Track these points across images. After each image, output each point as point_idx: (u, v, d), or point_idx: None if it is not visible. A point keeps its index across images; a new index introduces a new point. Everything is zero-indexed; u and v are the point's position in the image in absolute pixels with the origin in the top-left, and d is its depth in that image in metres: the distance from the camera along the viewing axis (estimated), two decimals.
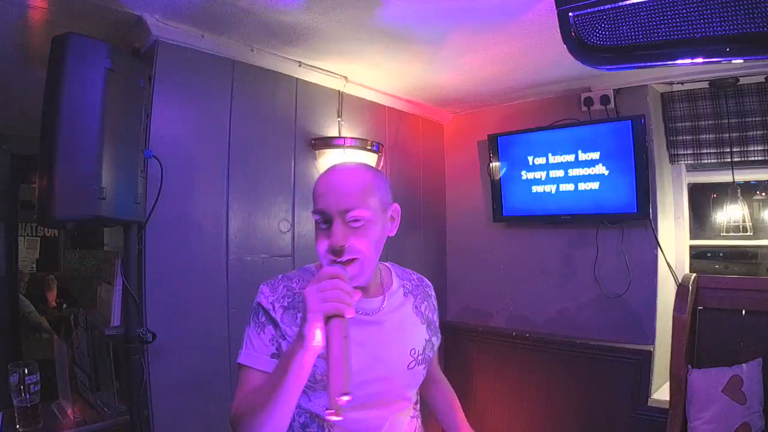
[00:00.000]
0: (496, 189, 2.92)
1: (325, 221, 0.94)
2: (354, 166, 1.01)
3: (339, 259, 0.91)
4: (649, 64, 1.03)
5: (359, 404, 0.96)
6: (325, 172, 1.00)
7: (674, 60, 0.98)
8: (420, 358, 1.07)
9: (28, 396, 1.66)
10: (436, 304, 1.21)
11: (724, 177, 2.54)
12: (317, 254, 0.96)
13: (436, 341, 1.17)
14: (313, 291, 0.81)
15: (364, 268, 0.94)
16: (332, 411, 0.72)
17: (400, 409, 1.05)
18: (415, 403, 1.12)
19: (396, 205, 1.04)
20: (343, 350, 0.76)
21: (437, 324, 1.19)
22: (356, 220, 0.92)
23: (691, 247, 2.69)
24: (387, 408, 1.02)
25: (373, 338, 1.01)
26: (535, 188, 2.77)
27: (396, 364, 1.03)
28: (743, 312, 2.21)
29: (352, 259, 0.92)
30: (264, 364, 0.93)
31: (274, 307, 0.97)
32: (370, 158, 2.51)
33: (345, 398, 0.72)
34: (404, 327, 1.07)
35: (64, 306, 4.59)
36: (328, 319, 0.79)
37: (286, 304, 0.98)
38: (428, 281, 1.25)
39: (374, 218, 0.95)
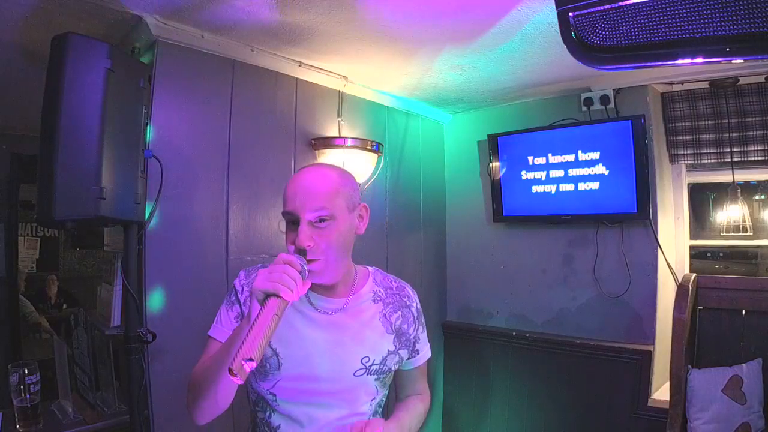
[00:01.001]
0: (496, 189, 2.92)
1: (292, 222, 0.98)
2: (320, 168, 1.05)
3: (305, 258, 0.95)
4: (649, 64, 1.03)
5: (301, 399, 1.01)
6: (294, 174, 1.03)
7: (674, 60, 0.98)
8: (374, 368, 1.05)
9: (28, 396, 1.66)
10: (417, 315, 1.17)
11: (724, 177, 2.54)
12: None
13: (410, 356, 1.14)
14: (263, 272, 0.87)
15: (328, 265, 0.98)
16: (234, 372, 0.74)
17: (346, 416, 1.03)
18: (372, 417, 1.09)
19: (364, 204, 1.07)
20: (269, 326, 0.80)
21: (415, 337, 1.15)
22: (322, 221, 0.96)
23: (691, 247, 2.69)
24: (330, 411, 1.02)
25: (325, 337, 1.03)
26: (535, 188, 2.77)
27: (342, 367, 1.02)
28: (743, 312, 2.21)
29: (317, 258, 0.96)
30: (226, 337, 0.99)
31: (242, 290, 1.05)
32: (370, 158, 2.51)
33: (250, 364, 0.75)
34: (362, 333, 1.05)
35: (64, 306, 4.59)
36: (267, 297, 0.83)
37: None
38: (411, 292, 1.20)
39: (340, 218, 0.98)
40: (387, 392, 1.14)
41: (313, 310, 1.04)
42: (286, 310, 0.95)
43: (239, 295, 1.05)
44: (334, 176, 1.01)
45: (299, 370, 1.00)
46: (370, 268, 1.18)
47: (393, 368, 1.10)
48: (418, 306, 1.19)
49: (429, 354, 1.21)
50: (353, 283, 1.10)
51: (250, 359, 0.75)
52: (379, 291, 1.13)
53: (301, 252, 0.94)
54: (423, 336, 1.19)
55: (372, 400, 1.08)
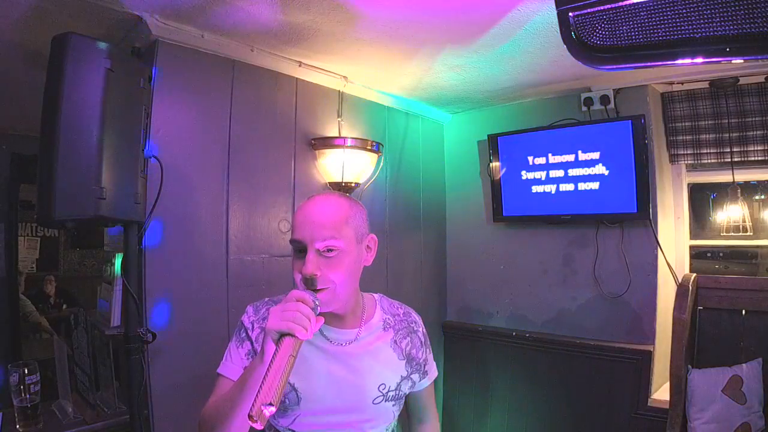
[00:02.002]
0: (495, 189, 2.92)
1: (300, 250, 0.98)
2: (331, 196, 1.04)
3: (312, 288, 0.95)
4: (649, 64, 1.03)
5: (321, 431, 1.01)
6: (304, 202, 1.03)
7: (674, 60, 0.98)
8: (391, 394, 1.07)
9: (28, 396, 1.66)
10: (423, 339, 1.19)
11: (724, 177, 2.54)
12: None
13: (421, 378, 1.17)
14: (276, 310, 0.86)
15: (336, 296, 0.98)
16: (254, 418, 0.74)
17: None
18: None
19: (372, 236, 1.08)
20: (285, 366, 0.80)
21: (424, 360, 1.18)
22: (329, 250, 0.96)
23: (691, 247, 2.69)
24: None
25: (342, 368, 1.03)
26: (535, 188, 2.77)
27: (361, 397, 1.04)
28: (743, 312, 2.21)
29: (324, 288, 0.95)
30: (237, 374, 0.98)
31: (252, 327, 1.05)
32: (370, 158, 2.51)
33: (269, 409, 0.74)
34: (377, 361, 1.07)
35: (64, 306, 4.60)
36: (281, 336, 0.83)
37: (264, 325, 0.99)
38: (416, 316, 1.22)
39: (348, 248, 0.98)
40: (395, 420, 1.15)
41: (326, 342, 1.05)
42: (304, 344, 0.97)
43: (249, 332, 1.05)
44: (345, 206, 1.02)
45: (319, 404, 1.01)
46: (375, 296, 1.19)
47: (406, 392, 1.13)
48: (424, 329, 1.21)
49: (436, 373, 1.24)
50: (363, 313, 1.11)
51: (270, 404, 0.74)
52: (389, 318, 1.15)
53: (309, 282, 0.94)
54: (430, 357, 1.21)
55: (387, 425, 1.09)
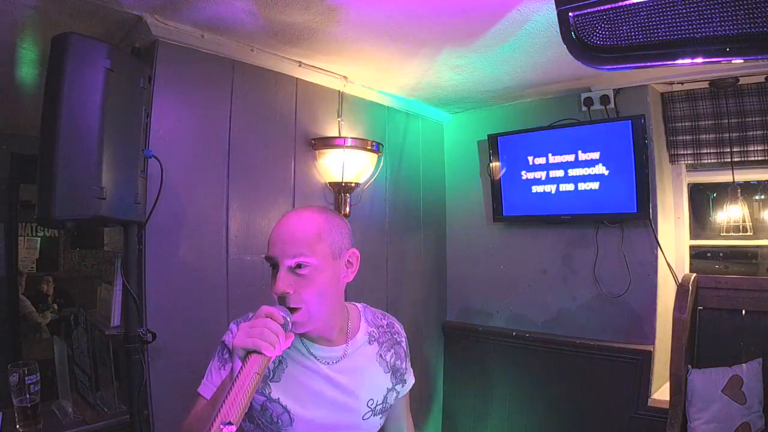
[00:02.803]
0: (496, 189, 2.92)
1: (273, 267, 0.96)
2: (304, 212, 1.01)
3: (286, 306, 0.93)
4: (649, 64, 1.03)
5: None
6: (279, 219, 1.01)
7: (674, 60, 0.98)
8: (378, 408, 1.08)
9: (28, 396, 1.65)
10: (406, 348, 1.19)
11: (724, 177, 2.54)
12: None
13: (403, 388, 1.17)
14: (244, 326, 0.85)
15: (311, 315, 0.95)
16: None
17: None
18: None
19: (353, 251, 1.04)
20: (249, 385, 0.78)
21: (406, 369, 1.18)
22: (300, 266, 0.94)
23: (691, 247, 2.69)
24: None
25: (332, 388, 1.02)
26: (535, 188, 2.77)
27: (352, 414, 1.03)
28: (743, 312, 2.21)
29: (298, 308, 0.94)
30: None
31: None
32: (370, 158, 2.51)
33: (229, 429, 0.73)
34: (365, 377, 1.07)
35: (61, 302, 4.60)
36: (248, 353, 0.82)
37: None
38: (399, 327, 1.21)
39: (321, 265, 0.95)
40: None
41: (315, 362, 1.03)
42: (292, 365, 0.99)
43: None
44: (319, 221, 0.98)
45: (311, 424, 1.00)
46: (359, 306, 1.17)
47: (392, 403, 1.13)
48: (406, 339, 1.21)
49: (413, 380, 1.22)
50: (348, 329, 1.09)
51: (230, 423, 0.73)
52: (373, 331, 1.13)
53: (281, 300, 0.93)
54: (409, 365, 1.20)
55: None
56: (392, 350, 1.14)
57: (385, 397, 1.09)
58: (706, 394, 2.10)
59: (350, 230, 1.06)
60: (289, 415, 0.99)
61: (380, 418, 1.10)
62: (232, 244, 2.05)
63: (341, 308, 1.07)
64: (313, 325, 0.97)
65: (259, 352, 0.81)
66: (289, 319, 0.89)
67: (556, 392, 2.72)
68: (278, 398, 1.00)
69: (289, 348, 1.01)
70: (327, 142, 2.40)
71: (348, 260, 1.03)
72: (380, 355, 1.11)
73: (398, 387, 1.14)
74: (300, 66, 2.28)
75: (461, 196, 3.24)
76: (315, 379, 1.02)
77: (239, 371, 0.80)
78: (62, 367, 1.84)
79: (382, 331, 1.15)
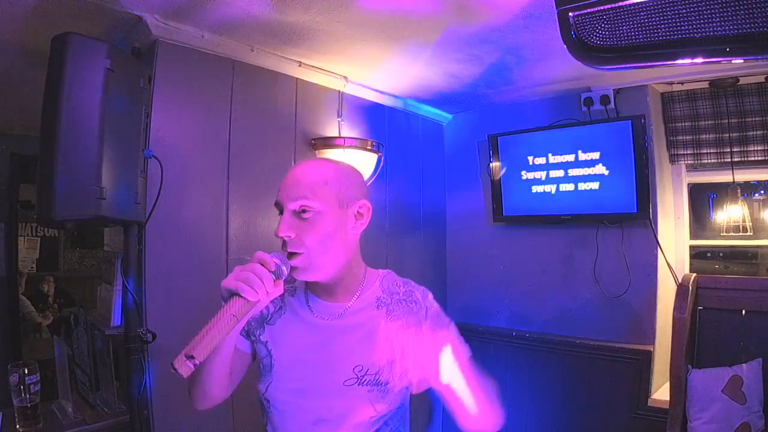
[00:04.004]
0: (496, 189, 2.92)
1: (280, 212, 0.96)
2: (314, 160, 1.02)
3: (286, 251, 0.92)
4: (649, 64, 1.03)
5: (295, 416, 0.97)
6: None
7: (674, 60, 0.98)
8: (366, 378, 0.93)
9: (28, 396, 1.65)
10: (425, 319, 1.00)
11: (724, 177, 2.54)
12: None
13: (415, 369, 0.98)
14: (236, 269, 0.85)
15: (312, 262, 0.92)
16: (175, 367, 0.75)
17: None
18: None
19: (364, 202, 0.99)
20: (223, 326, 0.79)
21: (425, 345, 0.97)
22: (303, 211, 0.92)
23: (691, 247, 2.69)
24: (332, 427, 0.94)
25: (318, 344, 0.97)
26: (535, 188, 2.76)
27: (330, 376, 0.94)
28: (743, 312, 2.21)
29: (298, 252, 0.92)
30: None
31: None
32: (370, 158, 2.51)
33: (192, 362, 0.74)
34: (358, 340, 0.96)
35: (61, 302, 4.60)
36: (231, 295, 0.82)
37: None
38: (420, 296, 1.03)
39: (326, 210, 0.93)
40: (395, 417, 1.00)
41: (310, 314, 1.00)
42: (290, 313, 0.97)
43: None
44: (328, 168, 0.97)
45: (289, 374, 0.97)
46: (382, 272, 1.07)
47: (392, 384, 0.96)
48: (430, 307, 1.03)
49: (460, 346, 1.01)
50: (357, 288, 1.01)
51: (191, 356, 0.74)
52: (384, 297, 1.01)
53: (284, 244, 0.92)
54: (445, 333, 1.01)
55: (372, 419, 0.95)
56: (402, 320, 0.98)
57: (380, 371, 0.94)
58: (706, 394, 2.10)
59: (363, 182, 1.03)
60: (271, 360, 0.98)
61: (369, 391, 0.94)
62: (232, 244, 2.05)
63: (348, 262, 0.98)
64: (313, 273, 0.94)
65: (240, 296, 0.81)
66: (283, 267, 0.88)
67: (556, 392, 2.72)
68: (266, 341, 1.00)
69: (292, 296, 1.02)
70: (327, 142, 2.40)
71: (358, 211, 0.98)
72: (386, 322, 0.98)
73: (403, 359, 0.97)
74: (300, 66, 2.28)
75: (461, 196, 3.24)
76: (304, 332, 0.98)
77: (219, 311, 0.81)
78: (62, 367, 1.84)
79: (397, 298, 1.02)
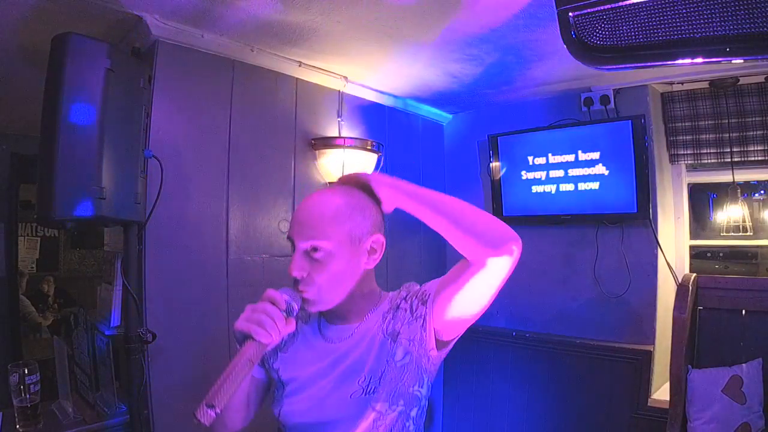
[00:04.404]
0: (496, 189, 2.92)
1: (292, 247, 0.94)
2: (327, 194, 0.97)
3: (297, 288, 0.92)
4: (649, 64, 1.03)
5: None
6: (304, 198, 0.99)
7: (674, 60, 0.98)
8: (372, 386, 0.92)
9: (28, 396, 1.65)
10: (410, 305, 0.98)
11: (724, 177, 2.54)
12: None
13: (413, 343, 0.95)
14: (248, 308, 0.85)
15: (321, 298, 0.93)
16: (197, 418, 0.76)
17: None
18: None
19: (378, 236, 0.98)
20: (240, 372, 0.80)
21: (415, 315, 0.95)
22: (315, 250, 0.91)
23: (691, 247, 2.69)
24: None
25: (329, 368, 0.96)
26: (535, 188, 2.76)
27: (339, 395, 0.93)
28: (743, 312, 2.21)
29: (312, 288, 0.92)
30: None
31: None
32: (370, 158, 2.51)
33: (210, 410, 0.75)
34: (363, 357, 0.95)
35: (61, 302, 4.60)
36: (245, 338, 0.83)
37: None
38: (405, 290, 1.02)
39: (337, 250, 0.91)
40: (405, 417, 0.96)
41: (322, 340, 1.00)
42: (302, 339, 0.97)
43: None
44: (339, 203, 0.94)
45: (298, 399, 0.97)
46: (392, 293, 1.05)
47: (397, 379, 0.94)
48: (411, 291, 1.01)
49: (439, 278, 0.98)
50: (370, 309, 1.00)
51: (212, 405, 0.75)
52: (387, 312, 1.00)
53: (294, 282, 0.92)
54: (425, 287, 0.99)
55: (376, 421, 0.93)
56: (390, 315, 0.98)
57: (384, 372, 0.92)
58: (706, 394, 2.10)
59: (377, 214, 0.98)
60: (283, 387, 0.99)
61: (375, 399, 0.91)
62: (232, 244, 2.05)
63: (363, 293, 0.98)
64: (324, 305, 0.95)
65: (254, 339, 0.82)
66: (294, 304, 0.88)
67: (556, 392, 2.71)
68: (278, 368, 1.00)
69: (305, 323, 1.01)
70: (327, 142, 2.40)
71: (371, 246, 0.96)
72: (384, 328, 0.97)
73: (398, 351, 0.94)
74: (300, 66, 2.28)
75: (461, 196, 3.17)
76: (315, 358, 0.98)
77: (235, 357, 0.81)
78: (62, 367, 1.84)
79: (393, 304, 1.01)
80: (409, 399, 0.95)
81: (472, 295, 0.93)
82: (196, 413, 0.75)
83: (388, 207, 0.99)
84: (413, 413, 0.96)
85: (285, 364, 1.00)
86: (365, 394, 0.92)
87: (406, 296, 1.00)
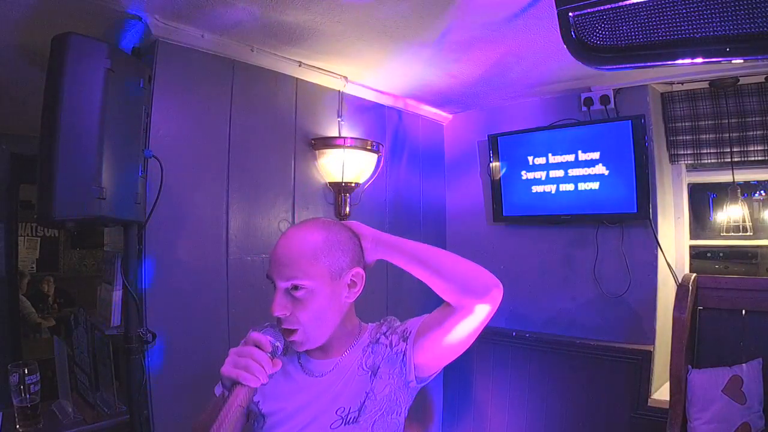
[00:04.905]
0: (496, 189, 2.92)
1: (274, 287, 0.95)
2: (302, 230, 0.96)
3: (282, 327, 0.93)
4: (649, 64, 1.03)
5: None
6: (281, 235, 0.98)
7: (674, 60, 0.98)
8: (351, 416, 0.94)
9: (28, 396, 1.65)
10: (389, 340, 1.00)
11: (724, 177, 2.54)
12: None
13: (392, 376, 0.97)
14: (232, 353, 0.86)
15: (308, 336, 0.94)
16: None
17: None
18: None
19: (357, 270, 0.98)
20: (232, 419, 0.81)
21: (395, 350, 0.98)
22: (295, 288, 0.91)
23: (691, 247, 2.69)
24: None
25: (310, 402, 0.97)
26: (535, 188, 2.77)
27: (318, 426, 0.95)
28: (743, 312, 2.21)
29: (294, 329, 0.93)
30: None
31: None
32: (370, 158, 2.51)
33: None
34: (342, 388, 0.97)
35: (61, 302, 4.60)
36: (232, 384, 0.84)
37: None
38: (386, 326, 1.04)
39: (318, 287, 0.92)
40: None
41: (302, 373, 1.01)
42: (281, 373, 0.97)
43: None
44: (317, 240, 0.94)
45: (282, 428, 0.98)
46: (371, 325, 1.07)
47: (377, 410, 0.96)
48: (392, 328, 1.03)
49: (419, 319, 1.01)
50: (350, 342, 1.02)
51: None
52: (367, 346, 1.02)
53: (278, 321, 0.93)
54: (406, 324, 1.02)
55: None
56: (369, 349, 1.00)
57: (363, 404, 0.95)
58: (706, 394, 2.10)
59: (355, 246, 0.99)
60: (263, 420, 1.00)
61: (355, 427, 0.94)
62: (232, 244, 2.05)
63: (345, 327, 1.00)
64: (311, 344, 0.96)
65: (242, 384, 0.83)
66: (278, 345, 0.89)
67: (556, 392, 2.72)
68: (258, 401, 1.01)
69: (284, 355, 0.99)
70: (327, 142, 2.40)
71: (351, 280, 0.97)
72: (363, 361, 0.99)
73: (388, 383, 0.97)
74: (300, 66, 2.28)
75: (461, 196, 3.24)
76: (295, 391, 0.99)
77: (224, 403, 0.82)
78: (62, 367, 1.84)
79: (372, 338, 1.03)
80: (389, 427, 0.97)
81: (457, 339, 0.96)
82: None
83: (369, 259, 1.02)
84: None
85: (265, 398, 1.01)
86: (345, 424, 0.94)
87: (386, 332, 1.03)
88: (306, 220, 1.01)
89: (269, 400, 1.00)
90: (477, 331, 0.96)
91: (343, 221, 1.05)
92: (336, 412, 0.95)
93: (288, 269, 0.92)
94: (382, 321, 1.08)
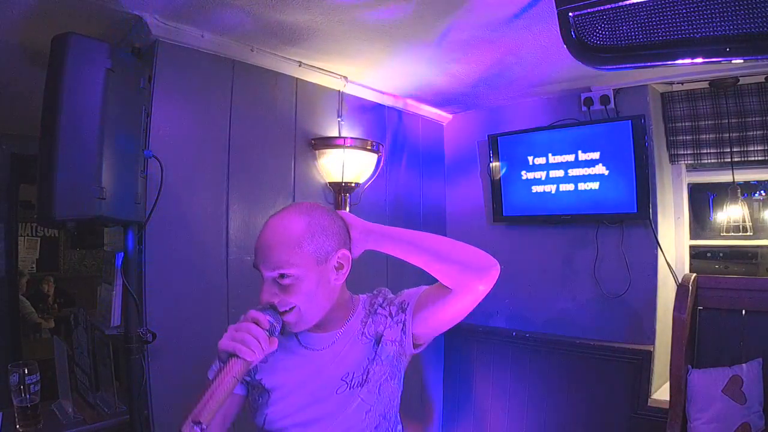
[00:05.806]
0: (496, 189, 2.92)
1: (262, 276, 0.96)
2: (287, 217, 0.96)
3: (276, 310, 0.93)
4: (649, 64, 1.03)
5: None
6: (264, 224, 0.98)
7: (674, 60, 0.98)
8: (356, 380, 0.97)
9: (28, 396, 1.65)
10: (387, 309, 1.05)
11: (724, 177, 2.54)
12: None
13: (395, 343, 1.01)
14: (230, 328, 0.87)
15: (303, 316, 0.95)
16: (182, 431, 0.77)
17: None
18: None
19: (343, 252, 0.98)
20: (225, 389, 0.81)
21: (395, 320, 1.02)
22: (282, 277, 0.92)
23: (691, 247, 2.69)
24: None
25: (315, 374, 0.99)
26: (535, 188, 2.77)
27: (326, 394, 0.97)
28: (743, 312, 2.21)
29: (290, 309, 0.93)
30: None
31: None
32: (370, 158, 2.51)
33: (197, 427, 0.77)
34: (347, 358, 1.00)
35: (61, 302, 4.60)
36: (229, 357, 0.84)
37: None
38: (381, 297, 1.08)
39: (304, 273, 0.92)
40: (388, 403, 1.02)
41: (301, 347, 1.03)
42: (282, 350, 0.97)
43: None
44: (299, 227, 0.94)
45: (285, 405, 0.99)
46: (363, 296, 1.10)
47: (382, 373, 0.99)
48: (387, 298, 1.08)
49: (422, 287, 1.06)
50: (347, 315, 1.04)
51: (199, 422, 0.76)
52: (365, 317, 1.05)
53: (272, 306, 0.93)
54: (402, 296, 1.06)
55: (367, 413, 0.98)
56: (370, 319, 1.03)
57: (366, 369, 0.98)
58: (706, 394, 2.10)
59: (340, 229, 1.00)
60: (268, 396, 1.00)
61: (363, 390, 0.97)
62: (232, 244, 2.05)
63: (337, 305, 1.01)
64: (306, 324, 0.97)
65: (239, 357, 0.83)
66: (276, 324, 0.90)
67: (556, 392, 2.72)
68: (261, 379, 1.01)
69: (282, 334, 1.01)
70: (327, 142, 2.40)
71: (338, 262, 0.98)
72: (363, 332, 1.02)
73: (382, 349, 1.00)
74: (300, 66, 2.28)
75: (461, 196, 3.24)
76: (298, 365, 1.01)
77: (217, 373, 0.83)
78: (62, 367, 1.84)
79: (369, 309, 1.06)
80: (391, 391, 1.02)
81: (453, 315, 1.01)
82: (183, 429, 0.77)
83: (357, 250, 1.04)
84: (395, 403, 1.04)
85: (267, 374, 1.02)
86: (350, 388, 0.98)
87: (383, 303, 1.07)
88: (288, 206, 1.01)
89: (272, 375, 1.01)
90: (472, 307, 1.00)
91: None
92: (341, 379, 0.98)
93: (273, 258, 0.92)
94: (375, 292, 1.11)
